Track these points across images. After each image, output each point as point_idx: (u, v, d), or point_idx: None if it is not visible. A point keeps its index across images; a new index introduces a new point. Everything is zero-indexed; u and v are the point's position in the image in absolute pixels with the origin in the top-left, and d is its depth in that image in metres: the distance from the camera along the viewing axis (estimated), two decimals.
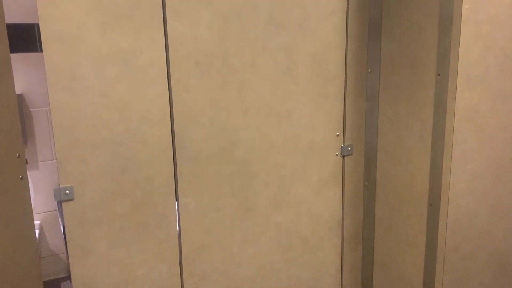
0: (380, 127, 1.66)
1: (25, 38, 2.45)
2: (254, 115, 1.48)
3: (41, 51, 2.49)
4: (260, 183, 1.54)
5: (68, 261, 1.37)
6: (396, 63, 1.56)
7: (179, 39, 1.32)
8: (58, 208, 2.19)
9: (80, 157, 1.26)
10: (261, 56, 1.45)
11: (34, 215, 2.51)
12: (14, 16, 2.39)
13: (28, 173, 2.46)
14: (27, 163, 1.50)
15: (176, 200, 1.42)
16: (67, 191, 1.25)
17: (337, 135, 1.64)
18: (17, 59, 2.45)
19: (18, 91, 2.47)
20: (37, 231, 2.40)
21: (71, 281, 1.34)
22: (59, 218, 2.15)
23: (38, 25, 2.46)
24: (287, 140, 1.56)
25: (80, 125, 1.24)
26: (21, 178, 1.44)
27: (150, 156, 1.35)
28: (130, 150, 1.32)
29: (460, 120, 1.36)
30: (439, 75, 1.38)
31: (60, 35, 1.18)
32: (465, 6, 1.26)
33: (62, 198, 1.24)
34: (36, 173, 2.49)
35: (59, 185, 1.25)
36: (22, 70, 2.44)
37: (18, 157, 1.43)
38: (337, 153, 1.65)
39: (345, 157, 1.67)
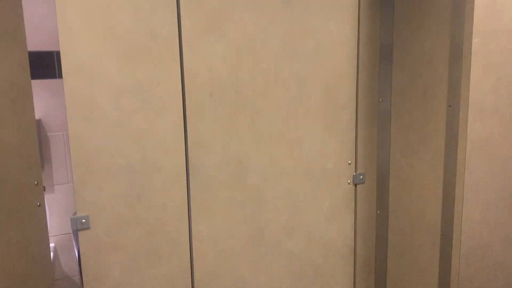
0: (392, 156, 1.67)
1: (44, 65, 2.52)
2: (266, 142, 1.50)
3: (59, 77, 2.57)
4: (272, 209, 1.55)
5: (82, 285, 1.38)
6: (407, 92, 1.57)
7: (194, 70, 1.36)
8: (73, 231, 2.22)
9: (96, 185, 1.28)
10: (274, 85, 1.48)
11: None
12: (33, 43, 2.47)
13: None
14: (44, 190, 1.54)
15: (189, 226, 1.44)
16: (83, 220, 1.27)
17: (349, 164, 1.65)
18: (35, 85, 2.53)
19: (36, 116, 2.54)
20: (51, 254, 2.42)
21: None
22: (74, 241, 2.18)
23: (56, 52, 2.54)
24: (299, 167, 1.57)
25: (97, 154, 1.27)
26: (39, 205, 1.48)
27: (164, 184, 1.37)
28: (145, 178, 1.34)
29: (472, 150, 1.36)
30: (450, 106, 1.39)
31: (80, 66, 1.22)
32: (474, 40, 1.28)
33: (78, 227, 1.27)
34: (51, 196, 2.53)
35: (75, 214, 1.28)
36: (40, 96, 2.50)
37: (36, 184, 1.47)
38: (349, 181, 1.66)
39: (357, 186, 1.68)
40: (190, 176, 1.40)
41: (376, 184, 1.71)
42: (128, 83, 1.28)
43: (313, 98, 1.55)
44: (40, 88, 2.49)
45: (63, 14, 1.18)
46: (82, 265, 1.30)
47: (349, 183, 1.66)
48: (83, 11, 1.20)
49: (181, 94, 1.35)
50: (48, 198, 2.51)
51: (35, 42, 2.44)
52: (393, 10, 1.60)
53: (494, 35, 1.31)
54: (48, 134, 2.56)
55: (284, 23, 1.46)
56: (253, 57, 1.44)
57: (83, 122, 1.25)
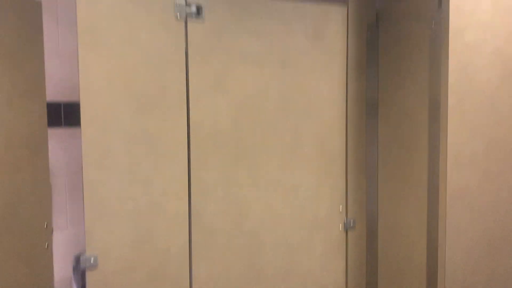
0: (380, 203, 1.79)
1: (52, 115, 2.65)
2: (263, 190, 1.62)
3: (65, 126, 2.69)
4: (269, 254, 1.64)
5: None
6: (392, 144, 1.72)
7: (199, 122, 1.50)
8: (74, 273, 2.26)
9: (106, 228, 1.38)
10: (271, 137, 1.62)
11: None
12: None
13: None
14: (52, 232, 1.62)
15: (189, 269, 1.52)
16: (92, 260, 1.36)
17: (340, 211, 1.77)
18: None
19: None
20: None
21: None
22: (74, 284, 2.21)
23: (64, 103, 2.68)
24: (294, 213, 1.68)
25: (109, 198, 1.38)
26: (47, 247, 1.56)
27: (168, 228, 1.47)
28: (151, 222, 1.44)
29: (452, 198, 1.49)
30: (430, 158, 1.53)
31: (98, 118, 1.36)
32: (450, 99, 1.44)
33: (87, 265, 1.35)
34: None
35: (80, 254, 1.37)
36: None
37: (46, 226, 1.56)
38: (340, 227, 1.77)
39: (348, 232, 1.79)
40: (192, 222, 1.51)
41: (366, 230, 1.81)
42: (139, 133, 1.41)
43: (307, 149, 1.69)
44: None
45: (86, 71, 1.33)
46: None
47: (340, 229, 1.77)
48: (103, 69, 1.35)
49: (186, 144, 1.48)
50: None
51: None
52: (377, 71, 1.78)
53: (467, 95, 1.48)
54: (51, 181, 2.65)
55: (280, 82, 1.62)
56: (253, 112, 1.59)
57: (97, 168, 1.36)
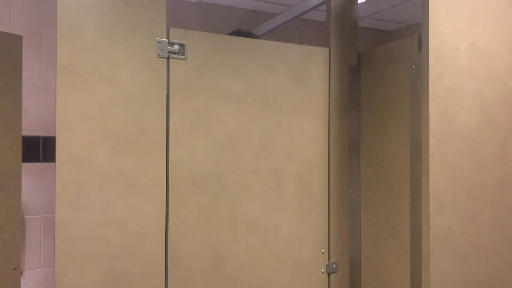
0: (363, 246, 1.76)
1: (30, 149, 2.60)
2: (243, 230, 1.58)
3: (43, 161, 2.63)
4: None
5: None
6: (374, 186, 1.71)
7: (179, 162, 1.47)
8: None
9: (77, 270, 1.32)
10: (252, 176, 1.60)
11: None
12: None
13: None
14: (21, 274, 1.54)
15: None
16: None
17: (323, 252, 1.72)
18: None
19: None
20: None
21: None
22: None
23: (43, 137, 2.63)
24: (274, 255, 1.64)
25: (81, 239, 1.32)
26: None
27: (143, 271, 1.41)
28: (125, 264, 1.38)
29: (435, 242, 1.46)
30: (413, 200, 1.52)
31: (73, 156, 1.32)
32: (431, 141, 1.44)
33: None
34: (21, 281, 2.47)
35: None
36: (23, 179, 2.55)
37: (14, 268, 1.48)
38: (322, 270, 1.72)
39: (331, 275, 1.74)
40: (169, 264, 1.45)
41: (349, 274, 1.77)
42: (115, 172, 1.37)
43: (288, 188, 1.66)
44: (23, 172, 2.54)
45: (63, 109, 1.30)
46: None
47: (322, 272, 1.72)
48: (81, 107, 1.32)
49: (165, 183, 1.45)
50: None
51: (22, 127, 2.54)
52: (359, 113, 1.79)
53: (448, 138, 1.48)
54: (25, 217, 2.56)
55: (262, 122, 1.61)
56: (234, 151, 1.56)
57: (70, 208, 1.31)
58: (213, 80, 1.53)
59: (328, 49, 1.74)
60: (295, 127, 1.68)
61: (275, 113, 1.64)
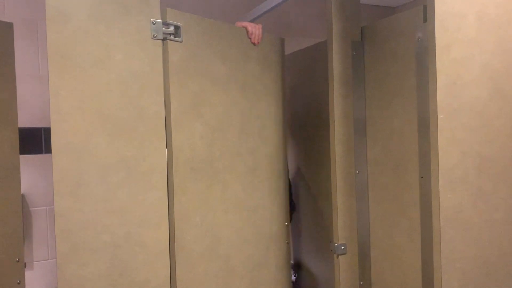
0: (372, 226, 1.72)
1: (31, 141, 2.57)
2: (232, 212, 1.60)
3: (46, 152, 2.61)
4: (238, 278, 1.60)
5: None
6: (382, 164, 1.66)
7: (179, 147, 1.43)
8: None
9: (80, 261, 1.29)
10: (236, 159, 1.62)
11: None
12: (21, 120, 2.53)
13: None
14: (25, 267, 1.52)
15: None
16: None
17: (286, 225, 1.81)
18: (21, 160, 2.56)
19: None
20: None
21: None
22: None
23: (44, 128, 2.60)
24: (255, 233, 1.70)
25: (82, 229, 1.29)
26: (18, 283, 1.46)
27: (147, 259, 1.38)
28: (128, 253, 1.35)
29: (446, 220, 1.42)
30: (422, 177, 1.47)
31: (70, 145, 1.28)
32: (440, 116, 1.39)
33: None
34: (30, 273, 2.46)
35: None
36: (25, 171, 2.52)
37: (18, 261, 1.46)
38: (287, 241, 1.82)
39: (340, 256, 1.70)
40: (176, 250, 1.42)
41: (358, 254, 1.73)
42: (115, 160, 1.33)
43: (261, 170, 1.74)
44: (26, 164, 2.51)
45: (56, 96, 1.26)
46: None
47: (287, 243, 1.83)
48: (75, 93, 1.28)
49: (165, 169, 1.41)
50: (27, 274, 2.44)
51: (23, 119, 2.51)
52: (364, 89, 1.73)
53: (456, 113, 1.43)
54: (30, 209, 2.55)
55: (241, 107, 1.65)
56: (222, 135, 1.56)
57: (70, 198, 1.28)
58: (204, 64, 1.51)
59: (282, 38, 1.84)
60: (265, 111, 1.73)
61: (250, 98, 1.66)
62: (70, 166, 1.28)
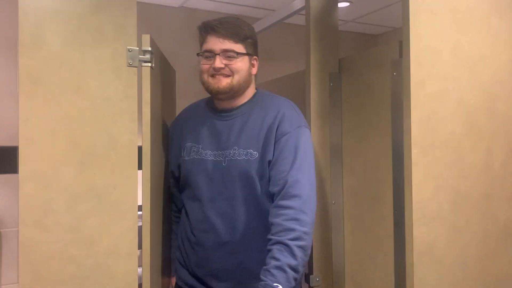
0: (347, 258, 1.70)
1: (6, 160, 2.51)
2: None
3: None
4: None
5: None
6: (358, 196, 1.65)
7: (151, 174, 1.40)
8: None
9: None
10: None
11: None
12: None
13: None
14: None
15: None
16: None
17: None
18: None
19: None
20: None
21: None
22: None
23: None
24: None
25: (48, 260, 1.25)
26: None
27: None
28: (96, 285, 1.31)
29: (419, 254, 1.41)
30: (396, 211, 1.47)
31: (38, 173, 1.24)
32: (413, 150, 1.39)
33: None
34: None
35: None
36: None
37: None
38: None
39: None
40: (144, 283, 1.38)
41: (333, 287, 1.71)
42: (85, 188, 1.30)
43: None
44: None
45: (26, 122, 1.23)
46: None
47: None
48: (45, 119, 1.25)
49: (137, 198, 1.38)
50: None
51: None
52: (341, 121, 1.73)
53: (431, 147, 1.43)
54: (1, 230, 2.48)
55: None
56: None
57: (35, 228, 1.24)
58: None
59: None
60: None
61: None
62: (38, 194, 1.25)
